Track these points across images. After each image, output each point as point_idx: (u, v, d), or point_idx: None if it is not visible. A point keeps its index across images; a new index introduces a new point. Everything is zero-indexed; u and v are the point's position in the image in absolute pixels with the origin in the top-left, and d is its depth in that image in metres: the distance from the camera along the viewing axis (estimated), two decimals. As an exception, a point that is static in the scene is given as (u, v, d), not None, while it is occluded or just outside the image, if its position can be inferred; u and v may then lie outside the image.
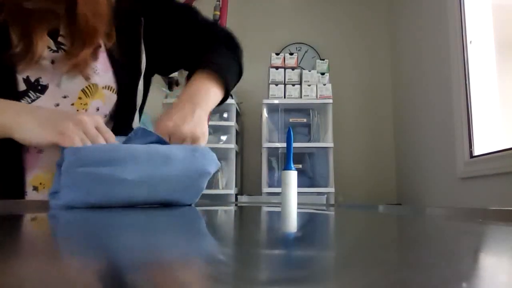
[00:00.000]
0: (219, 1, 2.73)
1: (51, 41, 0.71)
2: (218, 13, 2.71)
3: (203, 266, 0.19)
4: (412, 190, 2.79)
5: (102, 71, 0.74)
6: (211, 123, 2.61)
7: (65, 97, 0.70)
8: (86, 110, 0.71)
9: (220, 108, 2.79)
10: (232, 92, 3.11)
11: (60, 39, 0.72)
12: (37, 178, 0.68)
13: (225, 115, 2.80)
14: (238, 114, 2.91)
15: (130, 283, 0.15)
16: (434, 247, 0.27)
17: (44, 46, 0.68)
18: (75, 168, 0.55)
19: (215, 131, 2.76)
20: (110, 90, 0.75)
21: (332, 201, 2.56)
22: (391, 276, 0.16)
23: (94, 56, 0.73)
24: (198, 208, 0.65)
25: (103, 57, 0.75)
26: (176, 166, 0.61)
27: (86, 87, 0.72)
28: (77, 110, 0.70)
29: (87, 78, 0.72)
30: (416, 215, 0.62)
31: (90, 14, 0.69)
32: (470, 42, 2.09)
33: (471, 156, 2.01)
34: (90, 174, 0.55)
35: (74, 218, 0.45)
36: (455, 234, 0.37)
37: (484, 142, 2.00)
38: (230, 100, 2.80)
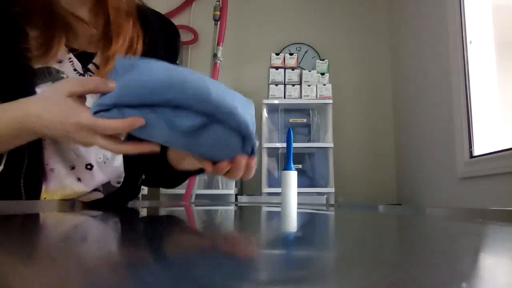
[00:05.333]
0: (219, 1, 2.73)
1: (78, 64, 0.72)
2: (218, 13, 2.71)
3: (202, 266, 0.19)
4: (412, 190, 2.79)
5: None
6: (211, 123, 2.60)
7: None
8: None
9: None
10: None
11: (90, 66, 0.74)
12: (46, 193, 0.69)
13: (225, 115, 2.80)
14: (238, 114, 2.90)
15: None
16: (434, 247, 0.27)
17: (60, 49, 0.70)
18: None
19: (215, 131, 2.75)
20: None
21: (332, 201, 2.56)
22: (391, 276, 0.16)
23: None
24: (197, 208, 0.65)
25: None
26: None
27: None
28: None
29: None
30: (416, 215, 0.62)
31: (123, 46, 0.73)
32: (470, 42, 2.09)
33: (471, 156, 2.01)
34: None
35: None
36: (455, 234, 0.37)
37: (484, 142, 2.00)
38: (230, 100, 2.80)
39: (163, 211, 0.81)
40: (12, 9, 0.67)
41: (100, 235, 0.36)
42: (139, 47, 0.76)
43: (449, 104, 2.19)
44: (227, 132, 0.51)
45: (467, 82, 2.06)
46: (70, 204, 0.71)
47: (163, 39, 0.83)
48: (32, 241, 0.28)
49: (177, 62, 0.88)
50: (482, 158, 1.93)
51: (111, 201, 0.78)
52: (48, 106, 0.55)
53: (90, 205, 0.74)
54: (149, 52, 0.78)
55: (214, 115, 0.50)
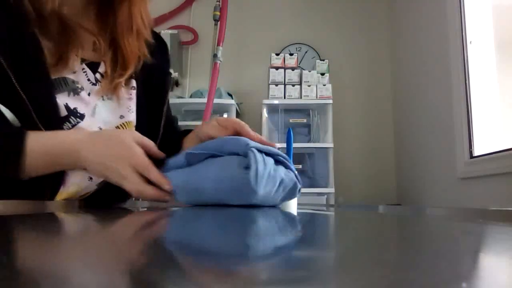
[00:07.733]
0: (219, 1, 2.73)
1: (92, 74, 0.75)
2: (218, 13, 2.71)
3: (202, 265, 0.19)
4: (412, 190, 2.79)
5: (133, 111, 0.81)
6: (211, 123, 2.60)
7: (100, 128, 0.73)
8: None
9: (220, 109, 2.80)
10: (232, 93, 3.14)
11: (97, 75, 0.76)
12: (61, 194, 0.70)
13: (225, 115, 2.80)
14: (238, 114, 2.90)
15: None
16: (434, 247, 0.27)
17: (74, 60, 0.72)
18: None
19: (215, 131, 2.75)
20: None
21: (332, 202, 2.56)
22: (391, 276, 0.16)
23: (129, 94, 0.80)
24: (196, 208, 0.65)
25: (134, 98, 0.81)
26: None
27: (121, 124, 0.77)
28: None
29: (119, 101, 0.77)
30: (416, 215, 0.62)
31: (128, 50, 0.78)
32: (470, 42, 2.09)
33: (471, 156, 2.01)
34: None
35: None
36: (455, 234, 0.37)
37: (484, 142, 2.00)
38: (230, 101, 2.81)
39: (162, 212, 0.81)
40: (30, 19, 0.68)
41: (102, 234, 0.36)
42: (142, 58, 0.80)
43: (449, 104, 2.19)
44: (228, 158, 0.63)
45: (467, 82, 2.06)
46: (68, 203, 0.71)
47: (157, 50, 0.86)
48: (33, 242, 0.28)
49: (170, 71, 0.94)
50: (482, 158, 1.93)
51: (108, 197, 0.77)
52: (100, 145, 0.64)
53: (86, 204, 0.74)
54: (150, 64, 0.82)
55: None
